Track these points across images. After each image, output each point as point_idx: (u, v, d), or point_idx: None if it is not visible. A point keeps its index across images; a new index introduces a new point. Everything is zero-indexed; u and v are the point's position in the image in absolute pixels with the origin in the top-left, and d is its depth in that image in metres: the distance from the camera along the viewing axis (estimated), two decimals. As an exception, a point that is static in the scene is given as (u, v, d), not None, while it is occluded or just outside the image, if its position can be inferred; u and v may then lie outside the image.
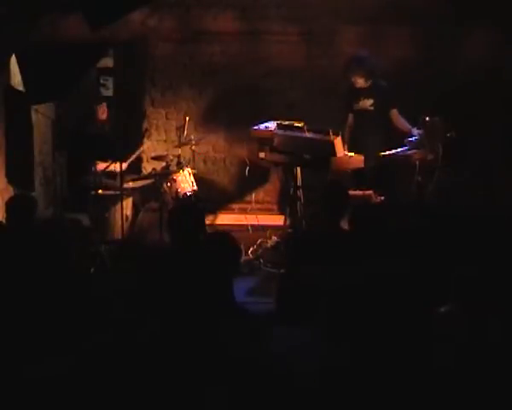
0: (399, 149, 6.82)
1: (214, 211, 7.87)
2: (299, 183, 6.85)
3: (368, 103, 7.11)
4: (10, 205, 5.39)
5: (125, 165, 7.08)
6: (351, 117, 7.25)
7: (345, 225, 4.97)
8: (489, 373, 3.07)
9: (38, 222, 5.58)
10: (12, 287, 4.02)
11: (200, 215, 4.87)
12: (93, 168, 6.94)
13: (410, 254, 4.46)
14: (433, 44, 7.67)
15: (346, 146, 6.74)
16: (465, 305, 3.45)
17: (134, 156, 7.54)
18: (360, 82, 7.05)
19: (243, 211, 7.99)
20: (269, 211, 8.04)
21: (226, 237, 3.85)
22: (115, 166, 6.79)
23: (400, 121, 7.07)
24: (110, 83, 8.60)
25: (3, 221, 5.56)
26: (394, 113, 7.10)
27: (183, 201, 7.00)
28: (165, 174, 7.17)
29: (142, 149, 7.87)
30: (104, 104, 7.66)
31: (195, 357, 3.14)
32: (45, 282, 4.04)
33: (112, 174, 7.04)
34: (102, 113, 7.56)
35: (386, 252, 4.42)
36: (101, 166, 7.00)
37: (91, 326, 3.62)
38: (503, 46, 7.42)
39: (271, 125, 6.96)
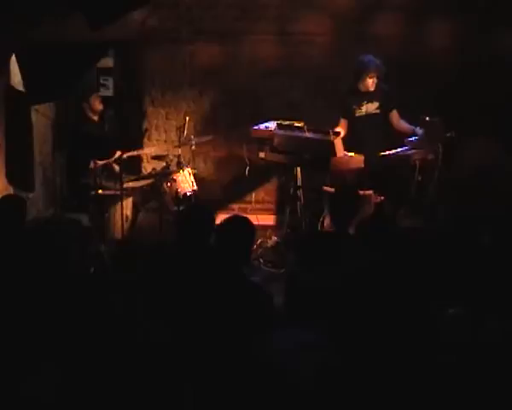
0: (399, 149, 6.81)
1: (214, 211, 7.84)
2: (299, 183, 6.85)
3: (373, 107, 7.04)
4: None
5: (124, 155, 6.98)
6: (344, 122, 7.14)
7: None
8: (491, 375, 3.07)
9: (37, 222, 5.57)
10: (9, 289, 4.02)
11: (210, 215, 4.88)
12: (92, 165, 6.93)
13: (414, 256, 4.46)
14: (432, 43, 7.68)
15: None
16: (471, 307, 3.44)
17: (135, 153, 7.49)
18: (371, 85, 6.94)
19: (243, 211, 7.97)
20: (269, 211, 8.04)
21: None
22: (115, 166, 6.77)
23: (401, 123, 7.07)
24: (110, 83, 8.59)
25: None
26: (395, 114, 7.08)
27: (183, 201, 6.99)
28: (165, 174, 7.17)
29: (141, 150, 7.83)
30: (97, 95, 7.61)
31: (200, 357, 3.14)
32: (45, 282, 4.04)
33: (112, 175, 7.03)
34: (99, 103, 7.50)
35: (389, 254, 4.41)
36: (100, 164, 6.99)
37: (91, 327, 3.62)
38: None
39: (271, 125, 6.96)
